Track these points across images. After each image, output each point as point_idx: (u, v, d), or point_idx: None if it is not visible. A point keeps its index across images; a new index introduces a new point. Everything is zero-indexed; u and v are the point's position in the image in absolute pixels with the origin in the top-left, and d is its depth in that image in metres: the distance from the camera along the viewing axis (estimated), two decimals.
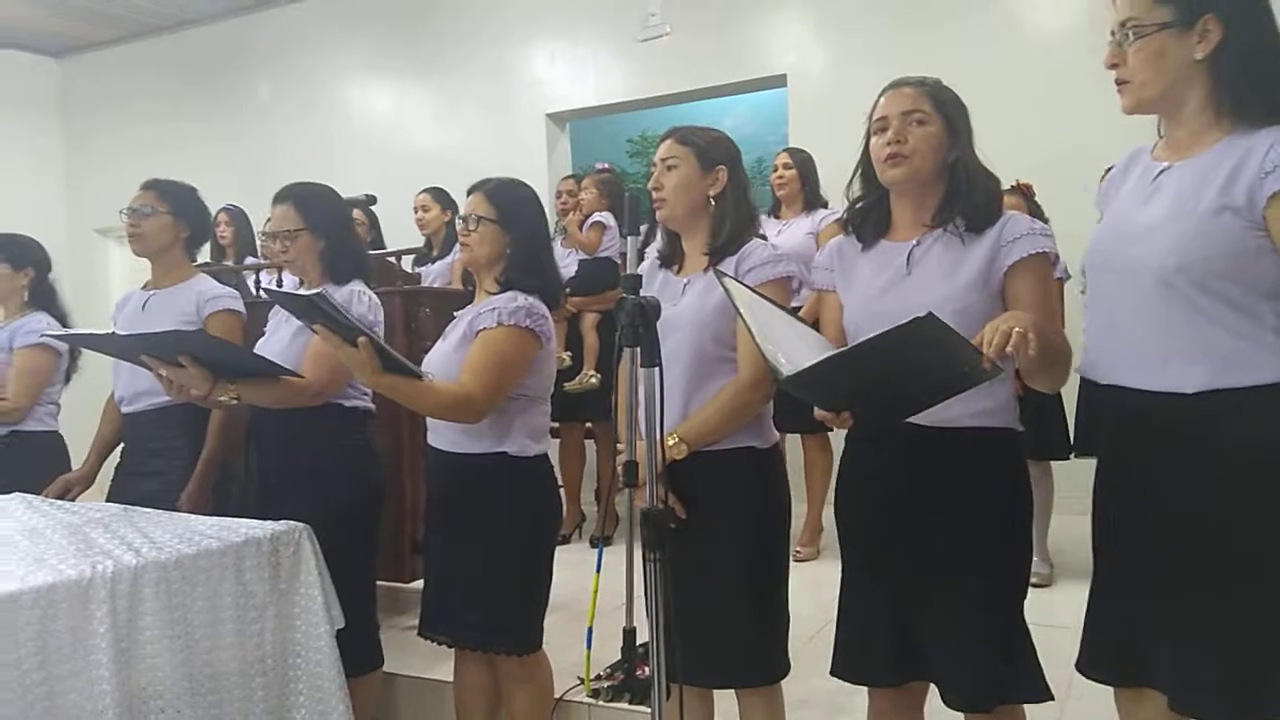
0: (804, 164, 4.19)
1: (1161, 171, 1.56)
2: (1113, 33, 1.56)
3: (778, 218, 4.20)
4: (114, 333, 2.40)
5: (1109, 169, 1.76)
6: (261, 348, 2.53)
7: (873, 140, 1.80)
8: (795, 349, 1.59)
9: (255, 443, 2.53)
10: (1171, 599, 1.52)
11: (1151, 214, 1.54)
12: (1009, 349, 1.44)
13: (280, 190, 2.53)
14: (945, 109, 1.77)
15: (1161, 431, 1.51)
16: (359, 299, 2.43)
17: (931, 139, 1.75)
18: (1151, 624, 1.55)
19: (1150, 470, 1.54)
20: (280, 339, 2.49)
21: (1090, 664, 1.67)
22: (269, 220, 2.56)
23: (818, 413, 1.68)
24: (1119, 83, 1.56)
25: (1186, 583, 1.50)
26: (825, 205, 4.16)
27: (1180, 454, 1.50)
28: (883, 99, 1.80)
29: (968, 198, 1.75)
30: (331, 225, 2.51)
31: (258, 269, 4.69)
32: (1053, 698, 1.74)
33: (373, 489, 2.51)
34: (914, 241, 1.79)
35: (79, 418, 3.30)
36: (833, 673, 1.88)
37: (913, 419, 1.68)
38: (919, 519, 1.74)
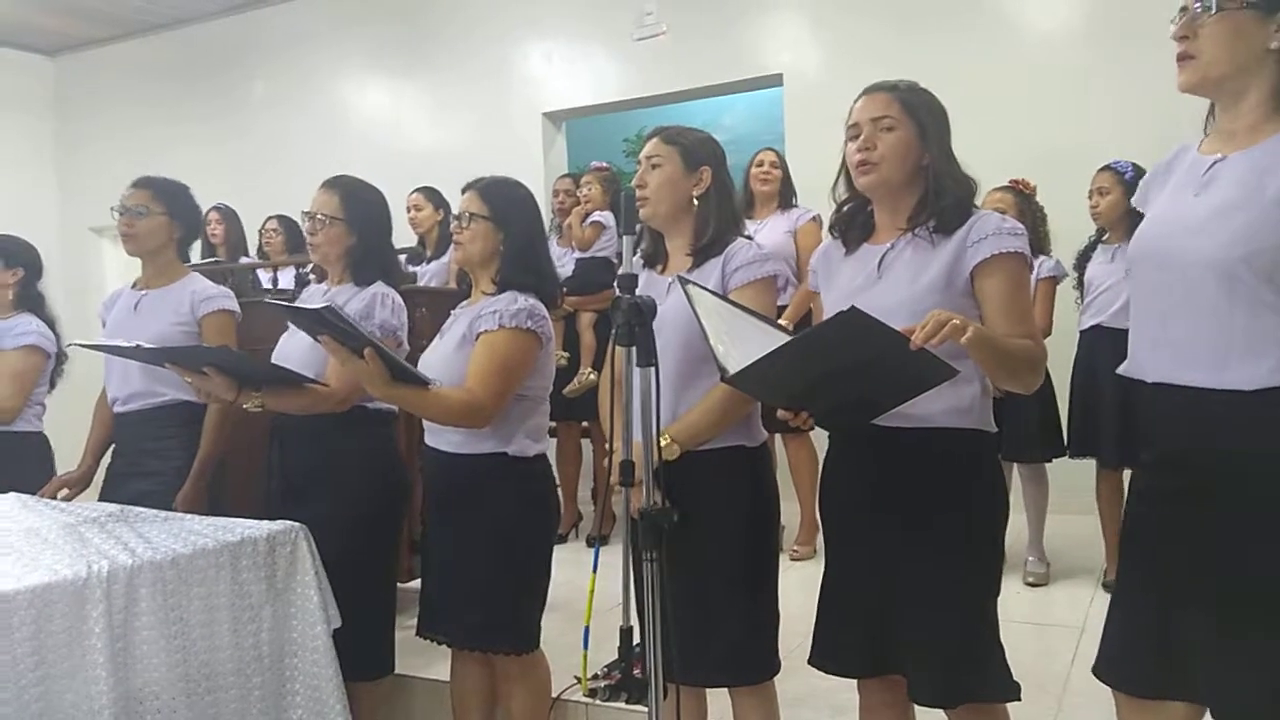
0: (785, 163, 4.28)
1: (1215, 163, 1.51)
2: (1185, 7, 1.50)
3: (749, 217, 4.22)
4: (139, 345, 2.37)
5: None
6: (282, 347, 2.51)
7: (848, 146, 1.80)
8: (755, 351, 1.57)
9: (279, 441, 2.51)
10: (1226, 605, 1.44)
11: (1208, 204, 1.47)
12: (936, 338, 1.45)
13: (332, 177, 2.52)
14: (916, 113, 1.76)
15: (1220, 432, 1.44)
16: (382, 302, 2.41)
17: (900, 145, 1.75)
18: (1200, 631, 1.46)
19: (1206, 473, 1.46)
20: (302, 339, 2.45)
21: (1118, 676, 1.58)
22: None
23: (780, 412, 1.71)
24: (1183, 58, 1.50)
25: (1242, 588, 1.43)
26: (795, 204, 4.22)
27: (1240, 455, 1.43)
28: (856, 104, 1.80)
29: (937, 201, 1.75)
30: (367, 226, 2.49)
31: (252, 268, 4.68)
32: (1019, 698, 1.74)
33: (395, 491, 2.50)
34: (888, 245, 1.79)
35: (61, 418, 3.29)
36: (810, 662, 1.89)
37: (880, 419, 1.68)
38: (887, 517, 1.75)
